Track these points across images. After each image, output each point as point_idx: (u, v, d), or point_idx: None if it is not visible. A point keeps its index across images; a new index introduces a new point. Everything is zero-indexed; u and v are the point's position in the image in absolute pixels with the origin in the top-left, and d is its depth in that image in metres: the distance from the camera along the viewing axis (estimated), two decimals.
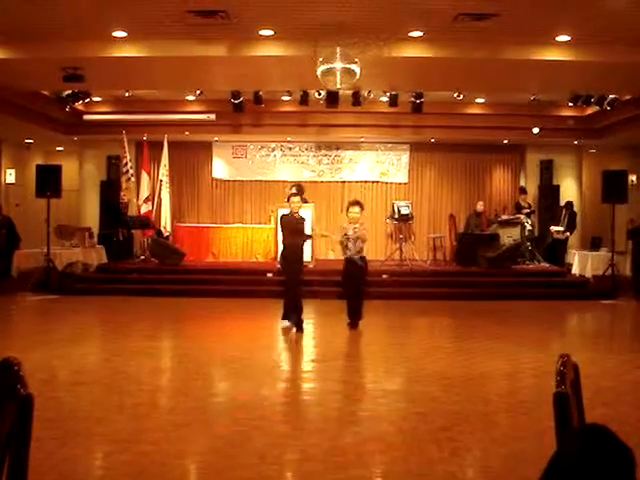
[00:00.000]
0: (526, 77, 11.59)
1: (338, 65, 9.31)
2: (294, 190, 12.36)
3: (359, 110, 14.65)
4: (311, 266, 13.78)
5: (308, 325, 9.99)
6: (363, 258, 9.75)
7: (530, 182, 17.50)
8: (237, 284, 13.62)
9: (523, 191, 16.63)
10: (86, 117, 15.95)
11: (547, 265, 15.13)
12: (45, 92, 14.10)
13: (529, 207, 16.18)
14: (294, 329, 9.45)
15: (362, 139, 17.32)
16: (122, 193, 15.92)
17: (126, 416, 5.46)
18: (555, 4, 8.28)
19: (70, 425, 5.17)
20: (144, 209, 15.95)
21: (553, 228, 15.59)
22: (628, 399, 6.23)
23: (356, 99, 13.93)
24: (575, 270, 14.52)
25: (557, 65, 10.41)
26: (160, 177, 16.36)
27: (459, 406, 5.83)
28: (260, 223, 16.91)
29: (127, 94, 14.36)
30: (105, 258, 15.25)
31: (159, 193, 16.29)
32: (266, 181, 17.80)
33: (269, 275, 13.76)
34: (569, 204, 15.89)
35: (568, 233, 15.51)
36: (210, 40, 9.96)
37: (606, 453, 1.38)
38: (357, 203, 9.89)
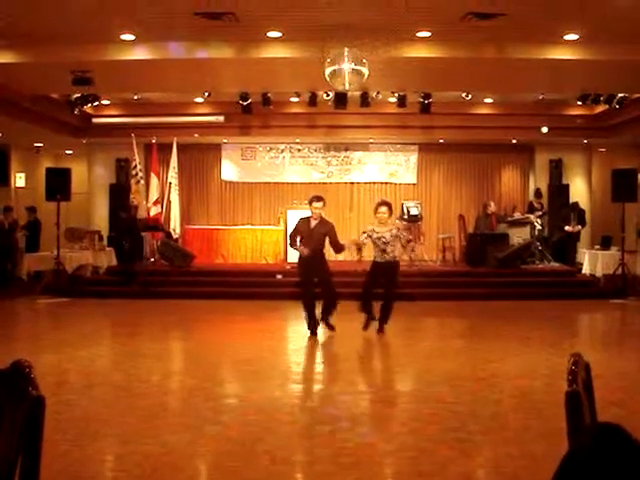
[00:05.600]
0: (534, 76, 11.55)
1: (346, 66, 9.30)
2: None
3: (367, 111, 14.64)
4: None
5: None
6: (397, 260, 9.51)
7: (539, 181, 17.45)
8: (246, 286, 13.64)
9: (539, 195, 16.59)
10: (95, 120, 16.00)
11: (557, 265, 15.08)
12: (54, 95, 14.15)
13: (541, 208, 16.15)
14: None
15: (371, 140, 17.32)
16: (131, 196, 15.97)
17: (137, 418, 5.47)
18: (563, 3, 8.26)
19: (82, 426, 5.19)
20: (153, 212, 15.98)
21: (567, 227, 15.48)
22: None
23: (364, 100, 13.92)
24: (585, 269, 14.45)
25: (565, 64, 10.37)
26: (169, 179, 16.39)
27: (469, 406, 5.82)
28: (269, 225, 16.92)
29: (136, 97, 14.41)
30: (115, 261, 15.29)
31: (168, 195, 16.33)
32: (275, 183, 17.81)
33: (278, 277, 13.77)
34: (575, 205, 15.84)
35: (579, 226, 15.45)
36: (218, 42, 9.98)
37: (619, 452, 1.37)
38: (385, 203, 9.49)
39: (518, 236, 15.14)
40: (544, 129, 15.84)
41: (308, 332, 9.28)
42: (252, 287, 13.57)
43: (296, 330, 9.86)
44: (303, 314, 9.36)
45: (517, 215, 15.91)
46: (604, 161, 17.25)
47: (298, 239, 9.32)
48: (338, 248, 9.38)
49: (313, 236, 9.20)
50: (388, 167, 17.86)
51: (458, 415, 5.53)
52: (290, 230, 9.85)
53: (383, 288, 9.45)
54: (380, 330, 9.37)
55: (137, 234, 14.74)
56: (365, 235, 9.38)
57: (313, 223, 9.25)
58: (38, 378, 2.02)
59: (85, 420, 5.39)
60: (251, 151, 17.86)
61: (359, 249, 9.35)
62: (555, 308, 12.16)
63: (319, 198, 9.34)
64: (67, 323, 11.04)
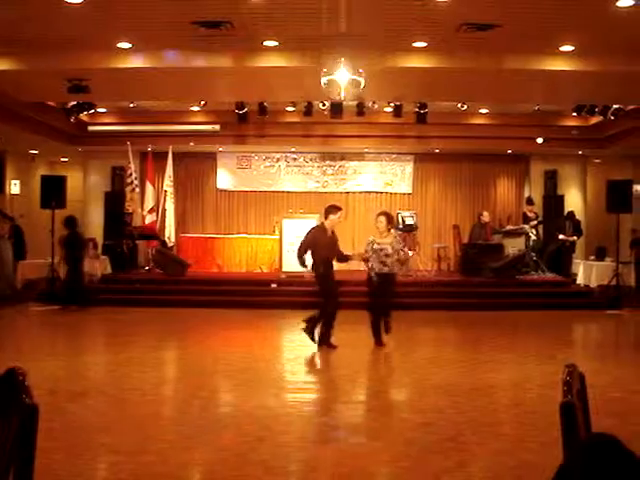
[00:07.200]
0: (530, 87, 11.59)
1: (342, 76, 9.31)
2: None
3: (363, 121, 14.68)
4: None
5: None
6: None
7: (535, 192, 17.50)
8: (241, 295, 13.62)
9: (530, 202, 16.58)
10: (91, 128, 16.01)
11: (551, 275, 15.09)
12: (50, 103, 14.15)
13: (536, 217, 16.14)
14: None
15: (366, 150, 17.36)
16: (127, 204, 15.97)
17: (131, 427, 5.45)
18: (558, 14, 8.29)
19: (75, 436, 5.16)
20: (148, 220, 15.97)
21: (561, 236, 15.43)
22: (635, 409, 6.19)
23: (360, 110, 13.97)
24: (580, 280, 14.49)
25: (561, 75, 10.41)
26: (164, 188, 16.40)
27: (465, 417, 5.81)
28: (264, 234, 16.92)
29: (132, 105, 14.42)
30: (109, 269, 15.25)
31: (163, 204, 16.33)
32: (270, 192, 17.84)
33: (273, 286, 13.77)
34: (571, 214, 15.83)
35: (575, 237, 15.41)
36: (215, 51, 9.98)
37: (614, 462, 1.37)
38: (383, 213, 9.56)
39: (513, 246, 15.14)
40: (539, 140, 15.90)
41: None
42: (247, 296, 13.54)
43: (291, 339, 9.83)
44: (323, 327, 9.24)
45: (508, 227, 15.93)
46: (599, 172, 17.29)
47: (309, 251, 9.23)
48: (344, 258, 9.47)
49: (331, 246, 9.26)
50: (383, 177, 17.90)
51: (454, 425, 5.52)
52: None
53: (381, 299, 9.43)
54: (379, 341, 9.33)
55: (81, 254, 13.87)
56: (369, 247, 9.39)
57: (329, 232, 9.29)
58: (32, 386, 2.02)
59: (79, 429, 5.37)
60: (247, 160, 17.88)
61: (365, 261, 9.40)
62: (550, 319, 12.17)
63: (338, 208, 9.44)
64: (61, 331, 11.00)
